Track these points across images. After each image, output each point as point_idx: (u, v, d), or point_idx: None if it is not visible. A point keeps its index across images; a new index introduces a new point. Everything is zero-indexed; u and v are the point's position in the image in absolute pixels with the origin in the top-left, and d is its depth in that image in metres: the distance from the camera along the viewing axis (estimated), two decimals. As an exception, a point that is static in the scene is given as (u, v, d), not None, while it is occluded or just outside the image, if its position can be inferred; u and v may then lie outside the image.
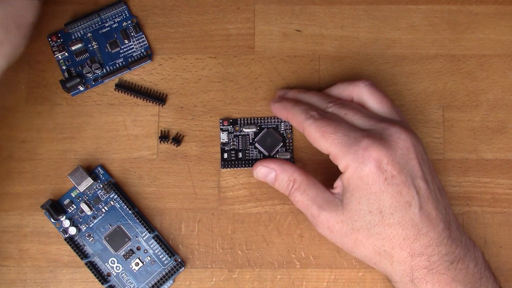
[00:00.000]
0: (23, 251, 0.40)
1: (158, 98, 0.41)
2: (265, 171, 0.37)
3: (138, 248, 0.39)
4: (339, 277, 0.39)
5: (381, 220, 0.32)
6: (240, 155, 0.41)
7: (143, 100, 0.41)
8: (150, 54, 0.42)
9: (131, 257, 0.39)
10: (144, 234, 0.39)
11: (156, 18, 0.43)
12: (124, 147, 0.41)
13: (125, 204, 0.39)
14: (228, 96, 0.42)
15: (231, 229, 0.40)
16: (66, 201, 0.40)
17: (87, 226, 0.39)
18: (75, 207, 0.40)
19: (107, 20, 0.42)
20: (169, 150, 0.41)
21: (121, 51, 0.42)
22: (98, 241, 0.39)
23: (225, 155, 0.41)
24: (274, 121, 0.41)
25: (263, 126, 0.41)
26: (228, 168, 0.40)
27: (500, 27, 0.42)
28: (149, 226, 0.39)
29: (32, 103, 0.41)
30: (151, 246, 0.39)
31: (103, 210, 0.40)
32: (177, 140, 0.41)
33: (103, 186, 0.40)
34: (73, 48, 0.42)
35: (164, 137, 0.41)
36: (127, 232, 0.39)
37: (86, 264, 0.38)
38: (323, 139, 0.34)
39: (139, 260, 0.39)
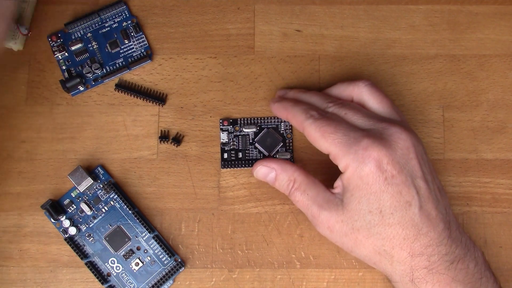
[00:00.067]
0: (23, 251, 0.40)
1: (158, 98, 0.41)
2: (265, 171, 0.37)
3: (138, 248, 0.39)
4: (339, 277, 0.39)
5: (381, 220, 0.32)
6: (240, 155, 0.41)
7: (143, 100, 0.41)
8: (150, 54, 0.42)
9: (131, 257, 0.39)
10: (144, 234, 0.39)
11: (156, 18, 0.43)
12: (124, 147, 0.41)
13: (125, 204, 0.39)
14: (228, 96, 0.42)
15: (231, 229, 0.40)
16: (66, 201, 0.40)
17: (87, 226, 0.39)
18: (75, 207, 0.40)
19: (107, 20, 0.42)
20: (169, 150, 0.41)
21: (121, 51, 0.42)
22: (98, 241, 0.39)
23: (225, 155, 0.41)
24: (274, 121, 0.41)
25: (263, 126, 0.41)
26: (228, 168, 0.40)
27: (500, 27, 0.42)
28: (149, 226, 0.39)
29: (32, 103, 0.41)
30: (151, 246, 0.39)
31: (103, 210, 0.40)
32: (177, 140, 0.41)
33: (103, 186, 0.40)
34: (73, 48, 0.42)
35: (164, 137, 0.41)
36: (127, 232, 0.39)
37: (86, 264, 0.38)
38: (323, 139, 0.34)
39: (139, 260, 0.39)
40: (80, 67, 0.42)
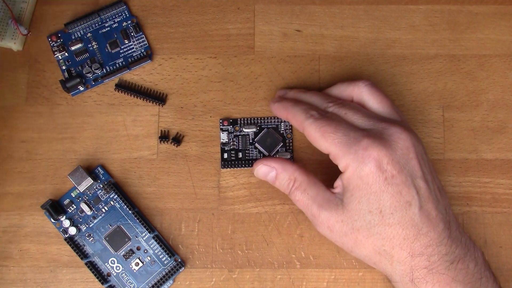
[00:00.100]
0: (23, 251, 0.40)
1: (158, 98, 0.41)
2: (265, 170, 0.37)
3: (138, 248, 0.39)
4: (339, 277, 0.39)
5: (381, 220, 0.32)
6: (240, 155, 0.41)
7: (143, 100, 0.41)
8: (150, 54, 0.42)
9: (131, 257, 0.39)
10: (144, 234, 0.39)
11: (156, 18, 0.43)
12: (124, 147, 0.41)
13: (125, 204, 0.39)
14: (228, 96, 0.42)
15: (231, 229, 0.40)
16: (66, 201, 0.40)
17: (87, 226, 0.39)
18: (75, 207, 0.40)
19: (107, 20, 0.42)
20: (169, 150, 0.41)
21: (121, 51, 0.42)
22: (98, 241, 0.39)
23: (225, 155, 0.41)
24: (274, 121, 0.41)
25: (263, 126, 0.41)
26: (228, 168, 0.40)
27: (500, 27, 0.42)
28: (149, 226, 0.39)
29: (32, 103, 0.42)
30: (151, 246, 0.39)
31: (103, 210, 0.40)
32: (177, 140, 0.41)
33: (103, 186, 0.40)
34: (73, 48, 0.42)
35: (164, 137, 0.41)
36: (127, 232, 0.39)
37: (86, 264, 0.38)
38: (323, 139, 0.34)
39: (139, 260, 0.39)
40: (80, 67, 0.42)
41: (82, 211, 0.40)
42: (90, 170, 0.40)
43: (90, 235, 0.39)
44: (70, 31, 0.42)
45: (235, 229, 0.40)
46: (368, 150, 0.33)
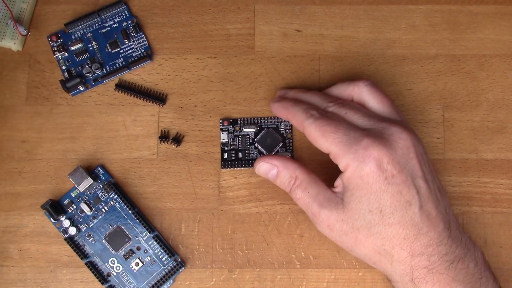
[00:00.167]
0: (23, 251, 0.40)
1: (158, 98, 0.41)
2: (267, 167, 0.37)
3: (138, 248, 0.39)
4: (339, 277, 0.39)
5: (381, 220, 0.32)
6: (240, 155, 0.41)
7: (143, 100, 0.41)
8: (150, 54, 0.42)
9: (131, 257, 0.39)
10: (144, 234, 0.39)
11: (156, 18, 0.43)
12: (124, 147, 0.41)
13: (125, 204, 0.39)
14: (228, 96, 0.42)
15: (231, 229, 0.40)
16: (66, 201, 0.40)
17: (87, 226, 0.39)
18: (75, 207, 0.40)
19: (107, 20, 0.42)
20: (169, 150, 0.41)
21: (121, 51, 0.42)
22: (98, 241, 0.39)
23: (225, 155, 0.41)
24: (274, 121, 0.41)
25: (263, 126, 0.41)
26: (228, 168, 0.40)
27: (500, 27, 0.42)
28: (149, 226, 0.39)
29: (32, 103, 0.41)
30: (151, 246, 0.39)
31: (103, 210, 0.40)
32: (177, 140, 0.41)
33: (103, 186, 0.40)
34: (73, 48, 0.42)
35: (164, 137, 0.41)
36: (127, 232, 0.39)
37: (86, 264, 0.38)
38: (323, 139, 0.34)
39: (139, 260, 0.39)
40: (80, 67, 0.42)
41: (82, 211, 0.40)
42: (90, 170, 0.40)
43: (90, 235, 0.39)
44: (70, 31, 0.42)
45: (235, 229, 0.40)
46: (368, 149, 0.33)
